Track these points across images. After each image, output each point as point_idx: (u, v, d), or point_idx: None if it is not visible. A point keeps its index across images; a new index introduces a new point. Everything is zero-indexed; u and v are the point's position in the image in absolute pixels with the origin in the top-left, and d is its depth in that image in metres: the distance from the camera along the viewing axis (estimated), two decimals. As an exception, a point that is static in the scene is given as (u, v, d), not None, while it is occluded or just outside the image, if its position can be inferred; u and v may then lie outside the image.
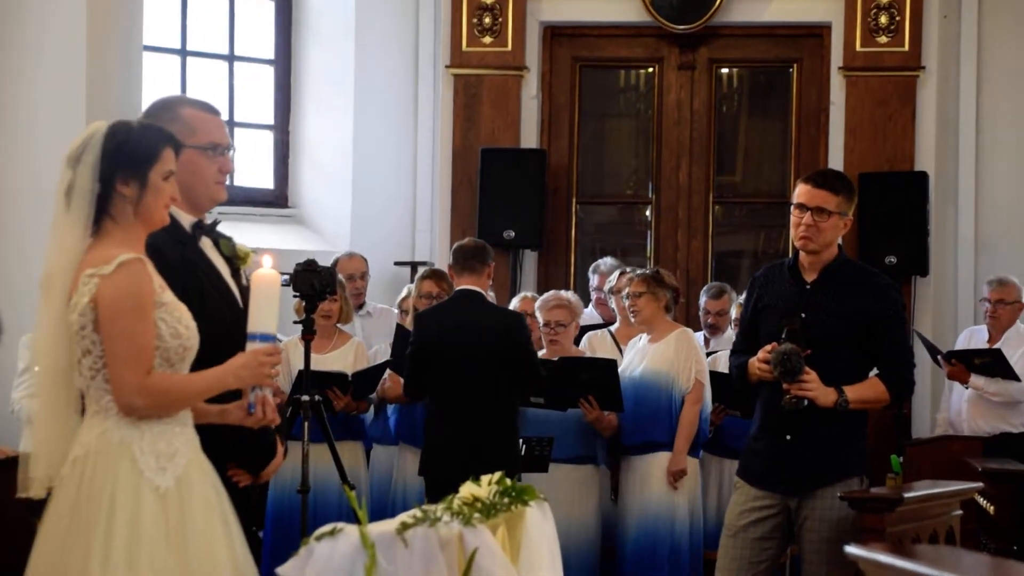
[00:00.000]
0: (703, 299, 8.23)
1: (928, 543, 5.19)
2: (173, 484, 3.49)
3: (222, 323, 3.77)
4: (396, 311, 8.05)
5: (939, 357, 8.15)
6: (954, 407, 8.38)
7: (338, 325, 7.46)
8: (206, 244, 4.00)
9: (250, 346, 3.68)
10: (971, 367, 8.08)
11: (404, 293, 7.88)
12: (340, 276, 7.45)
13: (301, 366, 6.43)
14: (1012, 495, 6.96)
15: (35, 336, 3.66)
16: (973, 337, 8.52)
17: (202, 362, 3.64)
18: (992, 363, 8.02)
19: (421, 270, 8.11)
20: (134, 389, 3.46)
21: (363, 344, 7.59)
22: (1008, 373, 7.98)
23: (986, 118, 9.50)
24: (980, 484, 6.22)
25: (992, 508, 6.88)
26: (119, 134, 3.58)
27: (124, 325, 3.46)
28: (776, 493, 5.15)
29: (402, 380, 6.94)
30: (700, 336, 7.86)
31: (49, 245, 3.60)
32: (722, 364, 7.21)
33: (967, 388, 8.14)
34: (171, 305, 3.56)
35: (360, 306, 8.42)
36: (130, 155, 3.56)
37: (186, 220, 3.93)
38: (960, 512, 5.57)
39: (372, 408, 7.52)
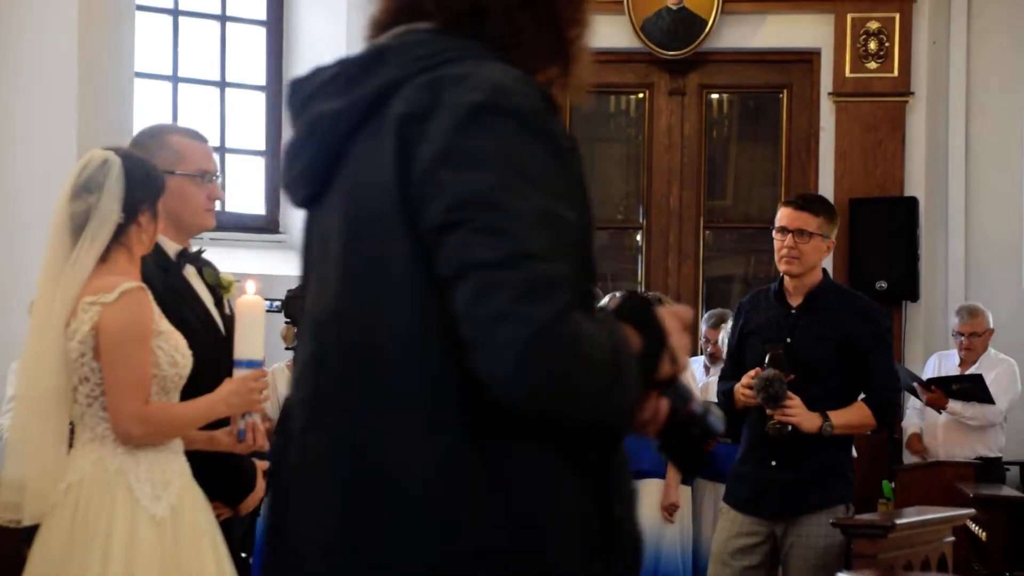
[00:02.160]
0: (703, 327, 8.19)
1: (920, 570, 5.18)
2: (168, 512, 3.49)
3: (204, 351, 3.76)
4: None
5: (915, 384, 8.14)
6: (928, 432, 8.39)
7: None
8: (190, 272, 4.00)
9: (237, 373, 3.69)
10: (949, 393, 8.09)
11: None
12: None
13: (286, 392, 6.44)
14: (1004, 521, 6.95)
15: (24, 362, 3.64)
16: (943, 362, 8.52)
17: (184, 391, 3.65)
18: (970, 388, 8.04)
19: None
20: (134, 418, 3.47)
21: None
22: (984, 397, 8.00)
23: (976, 143, 9.52)
24: (972, 510, 6.22)
25: (984, 534, 6.87)
26: (143, 165, 3.63)
27: (125, 354, 3.47)
28: (762, 519, 5.14)
29: None
30: (700, 363, 7.83)
31: (44, 272, 3.60)
32: (712, 392, 7.20)
33: (941, 413, 8.15)
34: (168, 333, 3.58)
35: None
36: (155, 186, 3.63)
37: (171, 248, 3.94)
38: (952, 538, 5.56)
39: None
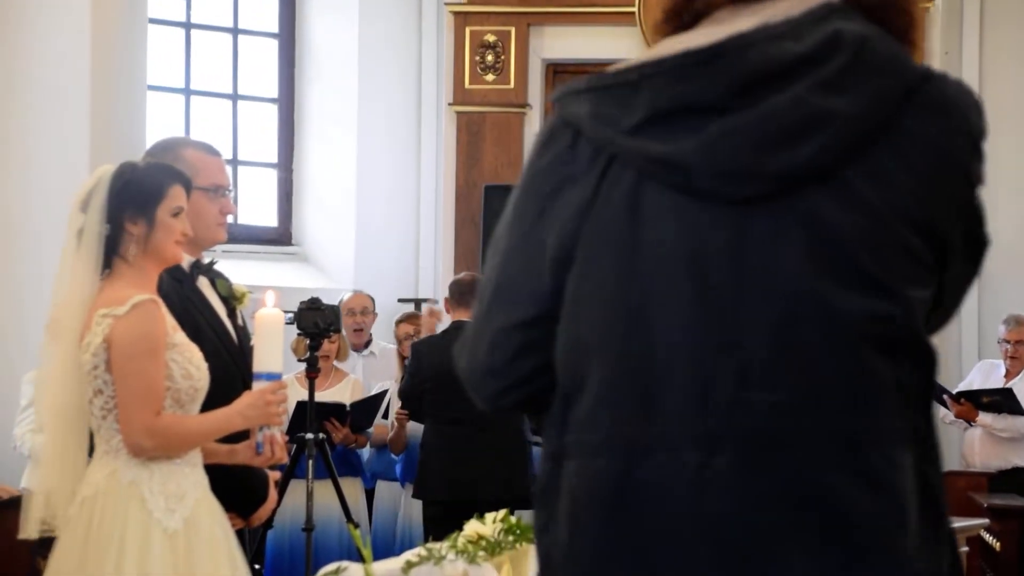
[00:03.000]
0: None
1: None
2: (182, 525, 3.49)
3: (219, 363, 3.77)
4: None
5: (945, 397, 8.15)
6: (966, 441, 8.41)
7: (335, 363, 7.47)
8: (203, 284, 4.01)
9: (256, 385, 3.69)
10: (979, 405, 8.10)
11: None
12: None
13: (297, 403, 6.50)
14: (1017, 531, 6.94)
15: (41, 375, 3.66)
16: (994, 372, 8.51)
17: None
18: (1000, 400, 8.05)
19: (427, 307, 8.22)
20: (143, 430, 3.47)
21: (360, 381, 7.60)
22: (1016, 409, 8.01)
23: (988, 155, 9.49)
24: (985, 520, 6.21)
25: (998, 544, 6.86)
26: (125, 174, 3.61)
27: (135, 366, 3.47)
28: None
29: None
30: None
31: (58, 286, 3.62)
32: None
33: (972, 426, 8.17)
34: (183, 346, 3.58)
35: (367, 344, 8.39)
36: (136, 194, 3.59)
37: (185, 260, 3.95)
38: (966, 548, 5.55)
39: (369, 443, 7.55)
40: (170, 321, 3.58)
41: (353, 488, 7.30)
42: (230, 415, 3.63)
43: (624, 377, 1.74)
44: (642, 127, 1.73)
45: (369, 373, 8.20)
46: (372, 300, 8.48)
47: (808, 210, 1.69)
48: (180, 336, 3.60)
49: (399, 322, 8.12)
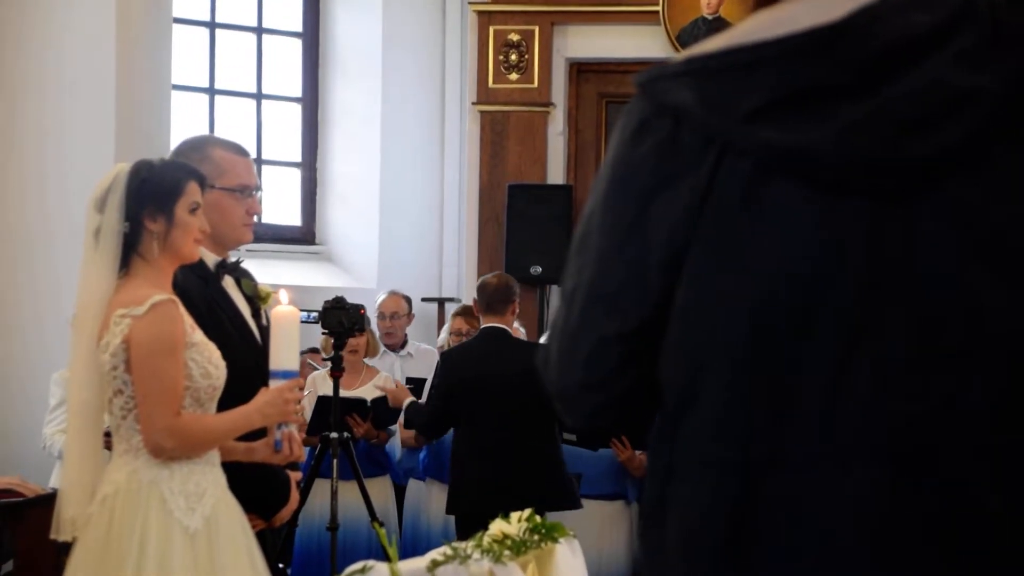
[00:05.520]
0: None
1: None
2: (202, 524, 3.49)
3: (242, 363, 3.76)
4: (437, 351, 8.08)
5: None
6: None
7: (365, 360, 7.46)
8: (228, 283, 4.01)
9: (273, 383, 3.68)
10: None
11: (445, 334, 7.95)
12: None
13: (318, 399, 6.51)
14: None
15: (69, 375, 3.68)
16: None
17: (222, 401, 3.65)
18: None
19: (455, 307, 8.18)
20: (163, 430, 3.47)
21: (391, 379, 7.58)
22: None
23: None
24: None
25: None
26: (142, 171, 3.61)
27: (155, 366, 3.47)
28: None
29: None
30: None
31: (80, 285, 3.62)
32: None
33: None
34: (201, 345, 3.57)
35: (403, 344, 8.36)
36: (155, 191, 3.58)
37: (210, 259, 3.94)
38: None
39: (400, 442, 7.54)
40: (188, 320, 3.58)
41: (383, 487, 7.30)
42: (249, 413, 3.63)
43: (745, 388, 1.58)
44: (761, 113, 1.55)
45: (407, 374, 8.15)
46: (407, 301, 8.39)
47: (955, 201, 1.54)
48: (198, 335, 3.59)
49: (455, 315, 7.86)
